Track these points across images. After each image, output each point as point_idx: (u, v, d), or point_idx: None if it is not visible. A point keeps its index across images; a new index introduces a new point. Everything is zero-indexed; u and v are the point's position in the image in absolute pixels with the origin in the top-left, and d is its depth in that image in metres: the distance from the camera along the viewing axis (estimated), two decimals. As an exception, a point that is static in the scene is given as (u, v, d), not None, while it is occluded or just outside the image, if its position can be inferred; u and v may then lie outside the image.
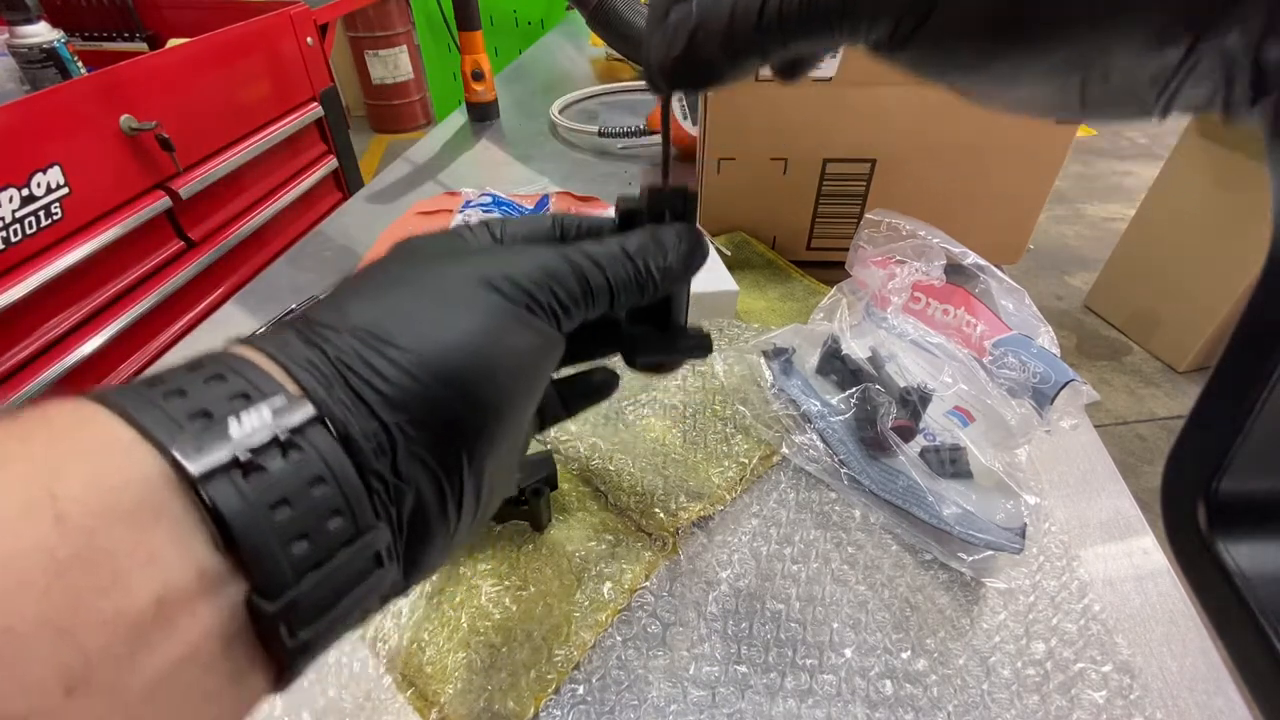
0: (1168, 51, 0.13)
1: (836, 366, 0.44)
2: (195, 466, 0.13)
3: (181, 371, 0.15)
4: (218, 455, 0.13)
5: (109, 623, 0.12)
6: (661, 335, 0.28)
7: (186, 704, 0.13)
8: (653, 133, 0.82)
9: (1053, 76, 0.15)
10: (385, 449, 0.16)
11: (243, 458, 0.13)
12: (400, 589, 0.18)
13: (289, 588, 0.14)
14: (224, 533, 0.13)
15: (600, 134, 0.84)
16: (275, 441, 0.14)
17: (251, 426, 0.14)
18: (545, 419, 0.27)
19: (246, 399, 0.14)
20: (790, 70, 0.20)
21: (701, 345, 0.27)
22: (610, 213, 0.25)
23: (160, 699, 0.12)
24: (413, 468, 0.16)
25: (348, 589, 0.15)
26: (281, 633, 0.14)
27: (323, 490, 0.14)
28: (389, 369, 0.16)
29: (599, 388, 0.28)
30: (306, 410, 0.15)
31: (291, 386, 0.15)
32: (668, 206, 0.24)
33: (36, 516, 0.12)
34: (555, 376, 0.26)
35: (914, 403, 0.39)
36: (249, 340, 0.16)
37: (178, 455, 0.13)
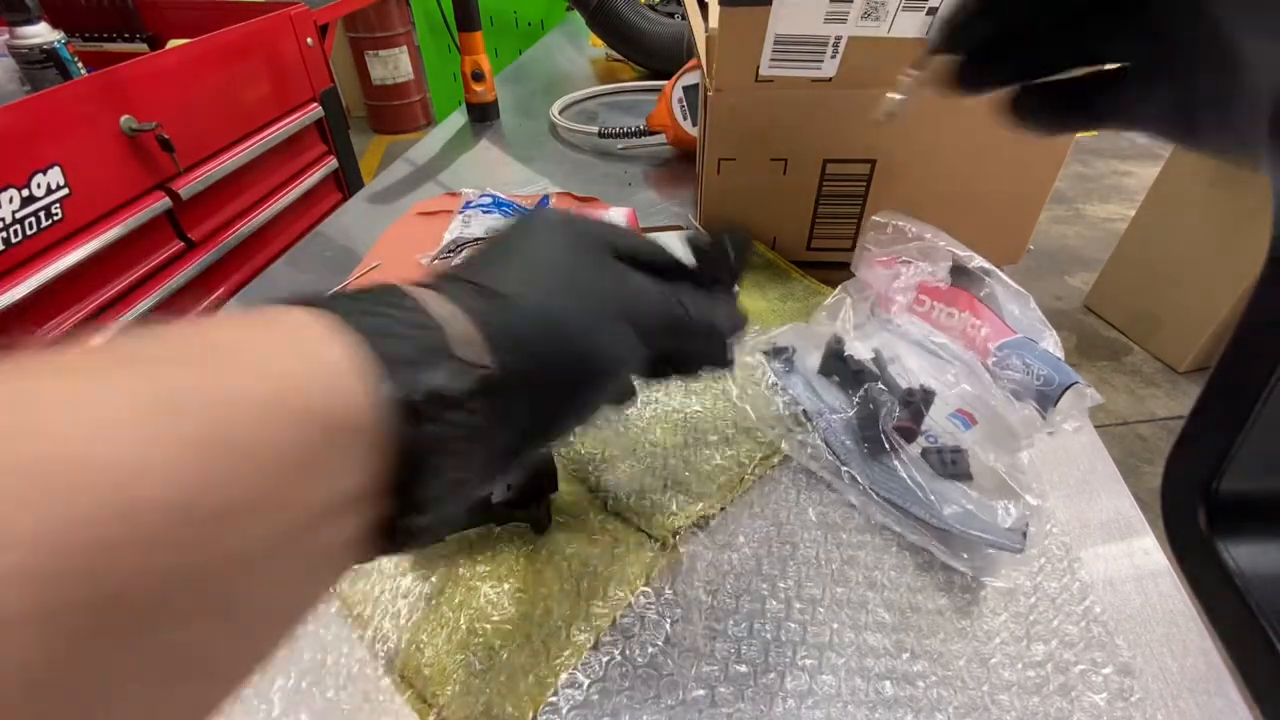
0: None
1: (839, 367, 0.44)
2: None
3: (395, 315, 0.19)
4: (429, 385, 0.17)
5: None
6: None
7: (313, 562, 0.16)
8: (652, 133, 0.82)
9: None
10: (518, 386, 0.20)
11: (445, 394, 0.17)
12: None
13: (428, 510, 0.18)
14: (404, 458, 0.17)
15: (600, 134, 0.84)
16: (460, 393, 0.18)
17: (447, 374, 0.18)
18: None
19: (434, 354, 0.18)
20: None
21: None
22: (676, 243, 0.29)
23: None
24: (517, 402, 0.20)
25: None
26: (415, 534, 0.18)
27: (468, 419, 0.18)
28: (541, 344, 0.21)
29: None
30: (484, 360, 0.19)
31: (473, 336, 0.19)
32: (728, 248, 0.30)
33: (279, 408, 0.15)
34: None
35: (916, 404, 0.39)
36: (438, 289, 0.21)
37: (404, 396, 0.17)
